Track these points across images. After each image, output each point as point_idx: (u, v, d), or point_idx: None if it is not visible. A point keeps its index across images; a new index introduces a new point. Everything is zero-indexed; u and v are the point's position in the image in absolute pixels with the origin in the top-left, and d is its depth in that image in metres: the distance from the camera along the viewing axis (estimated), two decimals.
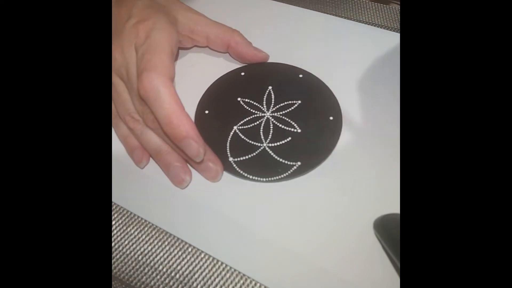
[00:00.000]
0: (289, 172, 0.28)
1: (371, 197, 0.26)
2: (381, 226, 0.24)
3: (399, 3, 0.41)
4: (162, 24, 0.29)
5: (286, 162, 0.28)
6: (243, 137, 0.30)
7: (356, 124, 0.30)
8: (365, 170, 0.28)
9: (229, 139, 0.30)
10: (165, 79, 0.26)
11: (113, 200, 0.27)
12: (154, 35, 0.28)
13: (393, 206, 0.26)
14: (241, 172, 0.28)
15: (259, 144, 0.29)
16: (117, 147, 0.30)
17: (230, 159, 0.29)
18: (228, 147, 0.29)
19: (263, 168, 0.28)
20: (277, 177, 0.27)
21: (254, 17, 0.39)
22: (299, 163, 0.28)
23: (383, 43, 0.36)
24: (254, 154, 0.29)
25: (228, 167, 0.28)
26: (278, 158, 0.28)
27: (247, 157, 0.29)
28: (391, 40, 0.36)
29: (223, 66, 0.35)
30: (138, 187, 0.28)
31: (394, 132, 0.30)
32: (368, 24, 0.38)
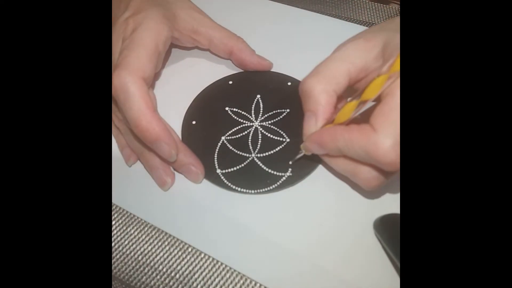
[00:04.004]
0: (278, 183, 0.27)
1: (371, 197, 0.26)
2: (381, 226, 0.24)
3: (399, 3, 0.41)
4: (152, 19, 0.28)
5: (275, 173, 0.28)
6: (231, 147, 0.29)
7: None
8: None
9: (216, 150, 0.29)
10: (137, 78, 0.25)
11: (113, 201, 0.27)
12: (139, 30, 0.27)
13: (393, 206, 0.26)
14: (229, 184, 0.27)
15: (247, 155, 0.29)
16: (117, 147, 0.30)
17: (218, 171, 0.28)
18: (216, 158, 0.29)
19: (251, 179, 0.27)
20: (266, 189, 0.27)
21: (249, 18, 0.39)
22: (288, 173, 0.27)
23: None
24: (243, 165, 0.28)
25: (215, 179, 0.28)
26: (267, 169, 0.28)
27: (235, 168, 0.28)
28: None
29: (210, 74, 0.34)
30: (138, 187, 0.28)
31: None
32: (368, 25, 0.38)
